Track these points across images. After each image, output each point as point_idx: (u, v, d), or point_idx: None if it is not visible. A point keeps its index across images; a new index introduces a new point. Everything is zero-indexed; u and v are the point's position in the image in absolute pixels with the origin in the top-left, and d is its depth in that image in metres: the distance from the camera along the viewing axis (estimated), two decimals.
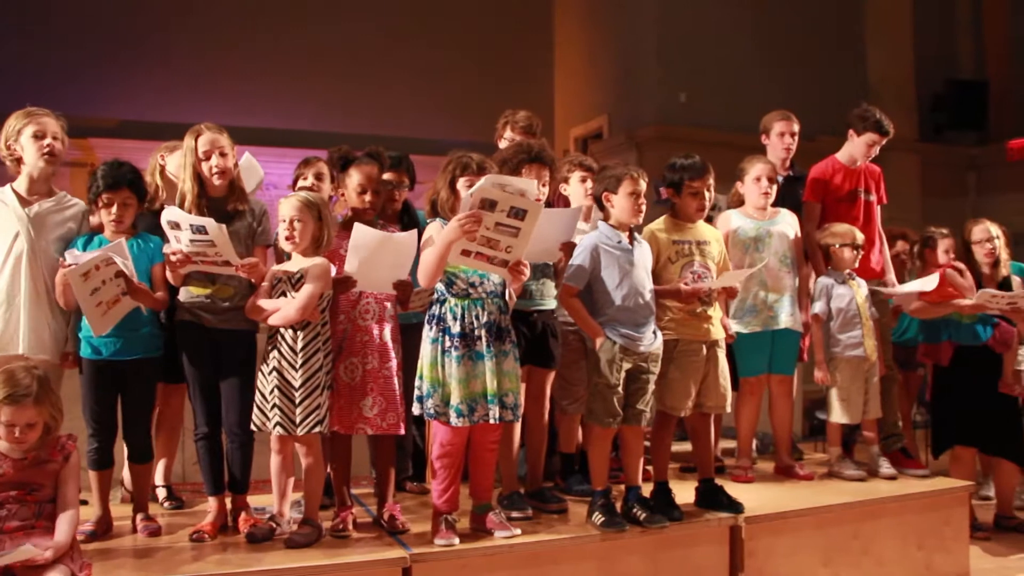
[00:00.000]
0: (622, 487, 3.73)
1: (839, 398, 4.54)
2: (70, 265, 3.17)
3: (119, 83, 11.06)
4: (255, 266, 3.37)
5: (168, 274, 3.41)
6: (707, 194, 3.91)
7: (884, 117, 4.89)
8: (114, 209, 3.41)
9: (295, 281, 3.35)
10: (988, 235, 4.81)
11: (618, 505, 3.62)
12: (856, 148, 4.92)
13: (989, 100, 12.69)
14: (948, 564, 4.25)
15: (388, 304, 3.58)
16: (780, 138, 5.00)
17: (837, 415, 4.56)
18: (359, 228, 3.39)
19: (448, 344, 3.29)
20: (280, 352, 3.34)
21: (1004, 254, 4.84)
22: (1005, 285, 4.82)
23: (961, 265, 4.78)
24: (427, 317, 3.40)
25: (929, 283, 4.55)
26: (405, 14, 12.31)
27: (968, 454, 4.83)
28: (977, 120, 12.67)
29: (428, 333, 3.36)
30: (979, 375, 4.77)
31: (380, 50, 12.17)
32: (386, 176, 4.05)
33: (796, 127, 5.02)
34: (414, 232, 3.48)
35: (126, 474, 3.76)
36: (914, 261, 5.48)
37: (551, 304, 3.88)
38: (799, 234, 4.64)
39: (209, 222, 3.25)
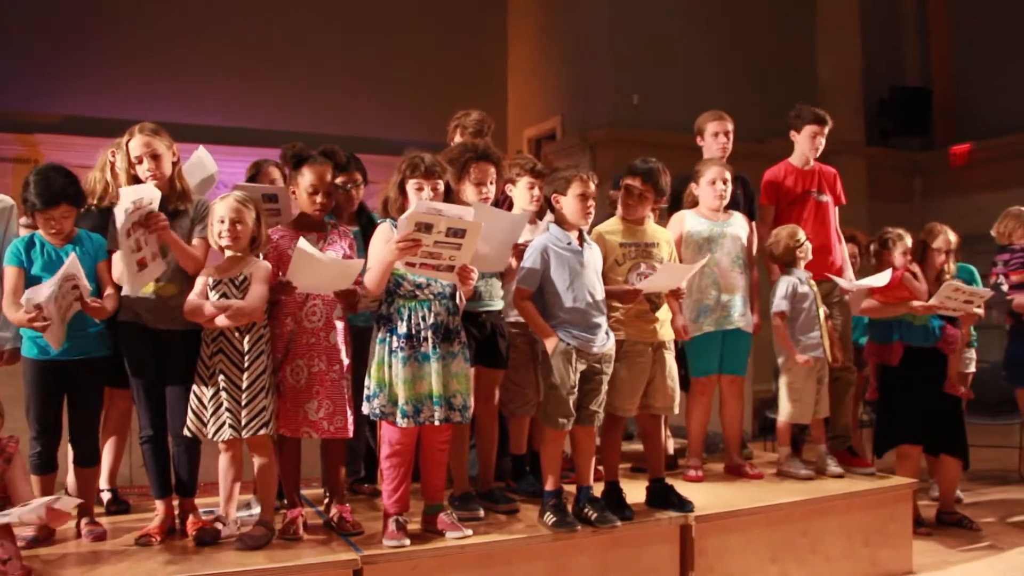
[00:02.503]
0: (573, 487, 3.73)
1: (791, 398, 4.58)
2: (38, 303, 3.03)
3: (63, 79, 10.82)
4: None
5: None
6: (649, 196, 3.93)
7: (818, 109, 5.00)
8: (52, 224, 3.30)
9: (239, 283, 3.30)
10: (948, 247, 4.91)
11: (569, 505, 3.63)
12: (803, 145, 5.00)
13: (933, 107, 13.00)
14: (892, 559, 4.33)
15: (338, 306, 3.52)
16: (715, 138, 4.92)
17: (788, 415, 4.60)
18: (301, 247, 3.21)
19: (395, 345, 3.28)
20: (225, 355, 3.28)
21: (952, 265, 4.95)
22: None
23: (917, 268, 4.87)
24: (376, 317, 3.38)
25: (881, 279, 4.63)
26: (358, 13, 12.22)
27: (914, 452, 4.90)
28: (921, 126, 12.97)
29: (376, 333, 3.35)
30: (926, 376, 4.85)
31: (333, 49, 12.08)
32: (339, 180, 3.99)
33: (730, 126, 4.94)
34: (361, 261, 3.41)
35: (70, 478, 3.68)
36: (869, 260, 5.55)
37: (499, 304, 3.87)
38: (751, 236, 4.69)
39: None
